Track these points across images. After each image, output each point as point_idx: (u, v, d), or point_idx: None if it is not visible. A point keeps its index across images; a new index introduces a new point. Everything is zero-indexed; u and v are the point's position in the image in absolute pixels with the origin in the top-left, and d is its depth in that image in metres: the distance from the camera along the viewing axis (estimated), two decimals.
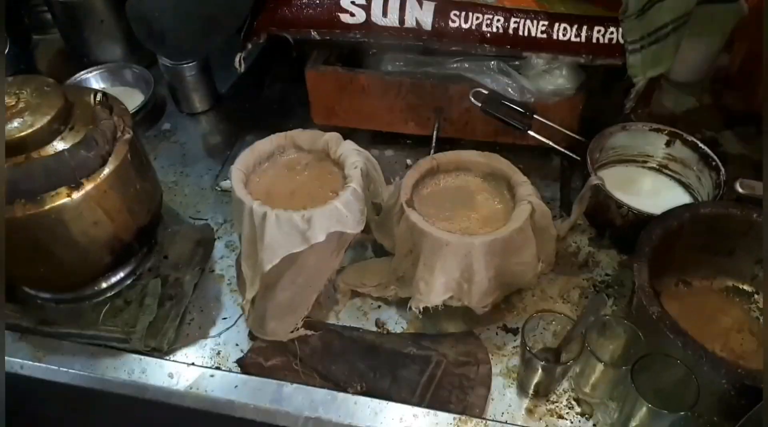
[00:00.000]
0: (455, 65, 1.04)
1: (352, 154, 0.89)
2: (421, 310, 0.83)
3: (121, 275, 0.95)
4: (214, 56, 1.26)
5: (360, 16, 1.01)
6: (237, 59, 1.10)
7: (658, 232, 0.83)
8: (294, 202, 0.87)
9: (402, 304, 0.91)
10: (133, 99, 1.25)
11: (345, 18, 1.01)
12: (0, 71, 0.86)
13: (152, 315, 0.90)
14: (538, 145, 1.09)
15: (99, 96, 0.84)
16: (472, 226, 0.84)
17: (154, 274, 0.96)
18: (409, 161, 1.14)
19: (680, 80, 1.27)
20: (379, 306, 0.92)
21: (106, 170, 0.82)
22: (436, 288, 0.81)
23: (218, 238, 1.03)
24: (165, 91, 1.29)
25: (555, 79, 0.99)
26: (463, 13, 0.99)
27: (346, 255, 0.98)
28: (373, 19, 1.01)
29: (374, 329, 0.89)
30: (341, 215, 0.82)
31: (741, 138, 1.16)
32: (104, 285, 0.94)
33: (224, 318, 0.92)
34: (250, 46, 1.10)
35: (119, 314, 0.91)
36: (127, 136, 0.86)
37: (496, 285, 0.84)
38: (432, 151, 1.07)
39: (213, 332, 0.90)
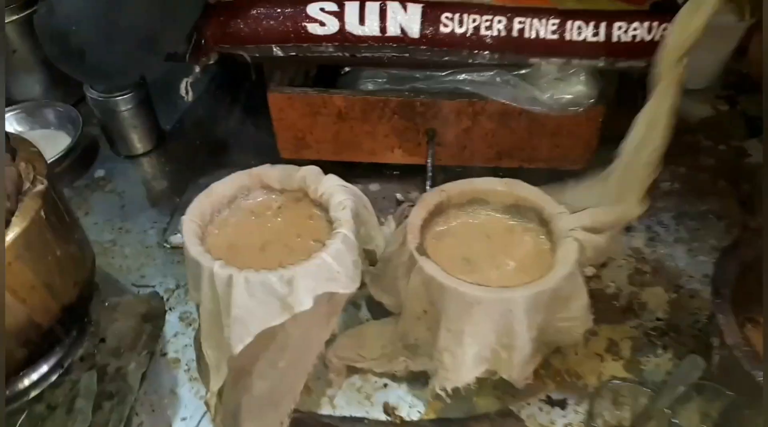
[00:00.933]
0: (450, 78, 0.87)
1: (337, 191, 0.70)
2: (450, 391, 0.63)
3: (43, 370, 0.72)
4: (155, 86, 1.06)
5: (332, 26, 0.83)
6: (182, 86, 0.91)
7: (733, 267, 0.66)
8: (267, 259, 0.68)
9: (415, 379, 0.72)
10: (57, 143, 1.03)
11: (313, 28, 0.83)
12: (0, 71, 0.64)
13: (86, 424, 0.68)
14: (550, 168, 0.92)
15: None
16: (504, 276, 0.65)
17: (88, 365, 0.74)
18: (399, 195, 0.95)
19: (690, 88, 1.13)
20: (386, 385, 0.72)
21: (10, 235, 0.60)
22: (466, 361, 0.61)
23: (170, 310, 0.81)
24: (97, 131, 1.08)
25: (572, 87, 0.83)
26: (457, 16, 0.82)
27: (337, 320, 0.78)
28: (347, 28, 0.83)
29: (383, 417, 0.69)
30: (331, 270, 0.62)
31: None
32: (19, 387, 0.71)
33: (183, 419, 0.70)
34: (197, 69, 0.90)
35: (41, 425, 0.68)
36: (40, 187, 0.65)
37: (536, 348, 0.65)
38: (428, 182, 0.89)
39: None
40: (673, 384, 0.56)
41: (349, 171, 0.97)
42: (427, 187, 0.87)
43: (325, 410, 0.70)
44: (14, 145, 0.66)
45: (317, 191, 0.71)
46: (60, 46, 0.77)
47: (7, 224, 0.60)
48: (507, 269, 0.66)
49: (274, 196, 0.74)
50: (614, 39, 0.81)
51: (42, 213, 0.64)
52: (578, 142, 0.90)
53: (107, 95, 0.97)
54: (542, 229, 0.69)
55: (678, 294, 0.81)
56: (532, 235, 0.69)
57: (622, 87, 0.94)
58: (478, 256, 0.67)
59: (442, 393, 0.64)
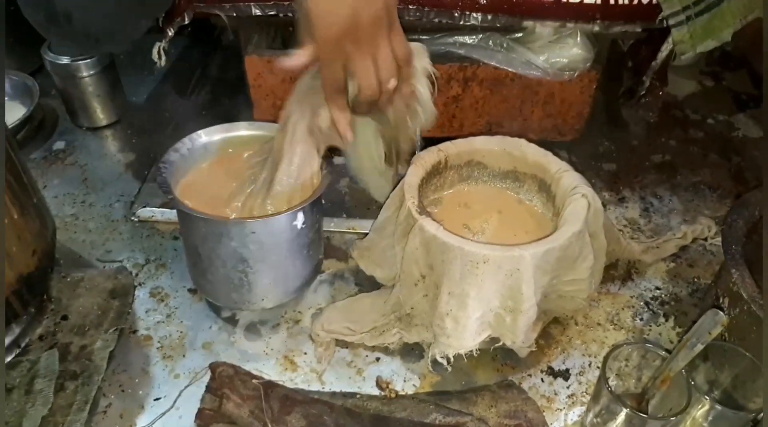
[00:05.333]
0: (439, 41, 0.82)
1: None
2: (451, 360, 0.58)
3: None
4: (121, 56, 0.99)
5: None
6: (155, 51, 0.84)
7: (741, 225, 0.63)
8: None
9: (409, 352, 0.67)
10: (11, 114, 0.95)
11: None
12: (0, 70, 0.57)
13: (47, 406, 0.61)
14: (542, 139, 0.89)
15: None
16: (503, 236, 0.61)
17: (49, 343, 0.67)
18: None
19: (674, 64, 1.11)
20: (378, 359, 0.67)
21: None
22: (469, 326, 0.57)
23: (140, 285, 0.75)
24: (56, 102, 1.00)
25: (567, 50, 0.79)
26: None
27: (323, 294, 0.73)
28: None
29: (377, 392, 0.64)
30: None
31: (756, 120, 1.01)
32: None
33: (157, 399, 0.63)
34: (171, 31, 0.84)
35: None
36: None
37: (539, 314, 0.62)
38: (417, 152, 0.84)
39: (142, 421, 0.61)
40: (693, 342, 0.52)
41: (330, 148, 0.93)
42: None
43: (314, 386, 0.64)
44: None
45: None
46: (45, 10, 0.70)
47: None
48: (506, 230, 0.62)
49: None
50: (611, 1, 0.78)
51: None
52: (571, 111, 0.87)
53: (68, 59, 0.90)
54: (543, 189, 0.65)
55: (676, 264, 0.78)
56: (534, 195, 0.66)
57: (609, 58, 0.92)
58: (475, 218, 0.63)
59: (443, 361, 0.59)
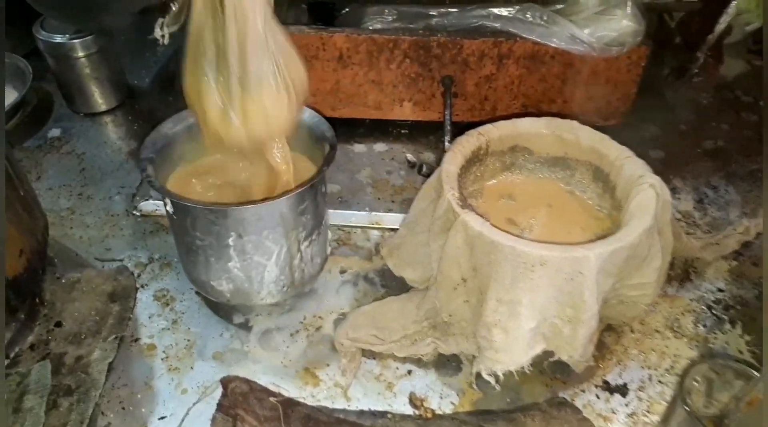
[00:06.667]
0: (472, 14, 0.74)
1: None
2: (500, 378, 0.51)
3: None
4: (120, 37, 0.91)
5: None
6: (157, 27, 0.76)
7: None
8: None
9: (445, 364, 0.59)
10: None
11: None
12: (0, 70, 0.50)
13: (38, 426, 0.53)
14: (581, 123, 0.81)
15: None
16: (555, 233, 0.53)
17: (41, 354, 0.60)
18: (409, 156, 0.83)
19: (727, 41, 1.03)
20: (410, 372, 0.59)
21: None
22: (521, 338, 0.49)
23: (142, 287, 0.67)
24: (51, 86, 0.92)
25: (617, 23, 0.71)
26: None
27: (346, 297, 0.65)
28: None
29: (410, 411, 0.56)
30: None
31: None
32: None
33: (162, 418, 0.56)
34: (175, 6, 0.75)
35: None
36: None
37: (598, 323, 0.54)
38: (447, 138, 0.76)
39: None
40: None
41: (350, 129, 0.85)
42: (446, 146, 0.75)
43: (339, 403, 0.57)
44: None
45: None
46: None
47: None
48: (560, 226, 0.54)
49: None
50: None
51: None
52: (616, 92, 0.79)
53: (62, 38, 0.82)
54: (597, 185, 0.57)
55: (738, 262, 0.70)
56: (589, 186, 0.58)
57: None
58: (522, 212, 0.55)
59: (491, 379, 0.51)
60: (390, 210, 0.75)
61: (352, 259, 0.70)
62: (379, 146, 0.85)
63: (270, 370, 0.59)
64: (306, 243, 0.60)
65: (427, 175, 0.75)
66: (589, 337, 0.51)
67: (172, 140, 0.63)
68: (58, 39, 0.82)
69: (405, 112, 0.82)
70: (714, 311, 0.65)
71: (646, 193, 0.50)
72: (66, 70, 0.86)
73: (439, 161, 0.77)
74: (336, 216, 0.74)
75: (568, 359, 0.52)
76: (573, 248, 0.47)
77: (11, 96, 0.87)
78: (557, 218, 0.57)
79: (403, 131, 0.86)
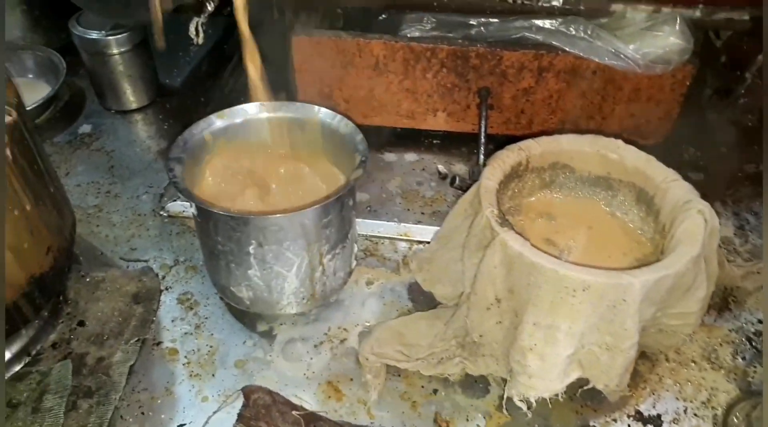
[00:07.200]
0: (512, 25, 0.72)
1: None
2: (533, 404, 0.49)
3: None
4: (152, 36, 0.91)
5: None
6: (192, 27, 0.75)
7: None
8: None
9: (472, 385, 0.58)
10: (36, 93, 0.88)
11: None
12: (0, 69, 0.49)
13: None
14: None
15: None
16: (595, 256, 0.51)
17: (62, 353, 0.60)
18: (440, 167, 0.81)
19: None
20: (435, 391, 0.58)
21: None
22: (558, 365, 0.47)
23: (166, 289, 0.66)
24: (84, 82, 0.92)
25: (663, 40, 0.69)
26: None
27: (371, 310, 0.64)
28: None
29: None
30: None
31: None
32: None
33: (181, 425, 0.55)
34: (211, 6, 0.75)
35: None
36: (8, 118, 0.49)
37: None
38: (481, 151, 0.74)
39: None
40: None
41: (381, 137, 0.84)
42: (480, 159, 0.73)
43: (362, 420, 0.55)
44: None
45: None
46: None
47: None
48: (598, 250, 0.52)
49: None
50: None
51: (9, 153, 0.49)
52: (658, 111, 0.76)
53: (98, 33, 0.82)
54: (641, 208, 0.55)
55: None
56: (632, 207, 0.56)
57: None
58: (561, 233, 0.53)
59: (523, 405, 0.50)
60: (419, 222, 0.74)
61: (379, 270, 0.69)
62: (410, 156, 0.83)
63: (292, 381, 0.58)
64: (329, 256, 0.59)
65: (459, 188, 0.74)
66: (627, 366, 0.49)
67: (202, 142, 0.62)
68: (94, 35, 0.82)
69: (438, 122, 0.81)
70: (754, 343, 0.63)
71: (694, 220, 0.48)
72: (99, 67, 0.86)
73: (470, 173, 0.76)
74: (364, 226, 0.73)
75: (603, 388, 0.50)
76: (617, 273, 0.45)
77: (44, 90, 0.87)
78: (597, 240, 0.55)
79: (435, 141, 0.85)
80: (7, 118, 0.50)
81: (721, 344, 0.63)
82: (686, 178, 0.80)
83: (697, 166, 0.82)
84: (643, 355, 0.61)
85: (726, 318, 0.65)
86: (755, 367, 0.61)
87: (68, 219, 0.61)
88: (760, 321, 0.65)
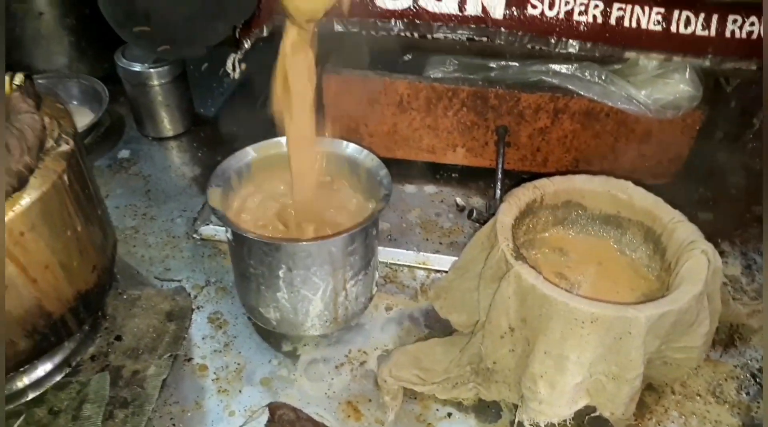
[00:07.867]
0: (530, 69, 0.77)
1: None
2: None
3: (47, 368, 0.62)
4: (192, 69, 0.97)
5: (404, 0, 0.73)
6: (229, 62, 0.81)
7: None
8: None
9: (485, 410, 0.61)
10: (79, 120, 0.93)
11: (382, 1, 0.74)
12: (0, 73, 0.55)
13: None
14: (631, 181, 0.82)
15: (20, 78, 0.53)
16: (604, 291, 0.55)
17: (100, 365, 0.64)
18: (458, 200, 0.85)
19: None
20: (450, 415, 0.61)
21: (26, 199, 0.50)
22: (566, 392, 0.50)
23: (198, 308, 0.70)
24: (124, 110, 0.98)
25: (674, 87, 0.73)
26: None
27: (390, 334, 0.67)
28: (421, 2, 0.73)
29: None
30: None
31: None
32: (18, 385, 0.60)
33: None
34: (248, 43, 0.80)
35: None
36: (65, 147, 0.54)
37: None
38: (498, 186, 0.78)
39: None
40: None
41: (402, 169, 0.88)
42: (497, 193, 0.77)
43: None
44: (41, 92, 0.56)
45: None
46: (124, 7, 0.67)
47: (24, 183, 0.50)
48: (607, 285, 0.55)
49: None
50: (727, 34, 0.71)
51: (66, 178, 0.53)
52: (668, 153, 0.80)
53: (141, 66, 0.87)
54: (648, 247, 0.58)
55: None
56: (639, 245, 0.59)
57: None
58: (572, 267, 0.57)
59: None
60: (437, 251, 0.78)
61: (398, 297, 0.72)
62: (430, 188, 0.87)
63: (314, 400, 0.61)
64: (352, 282, 0.62)
65: (476, 221, 0.77)
66: (632, 396, 0.52)
67: (238, 171, 0.66)
68: (137, 68, 0.88)
69: (458, 157, 0.85)
70: (758, 380, 0.65)
71: (698, 260, 0.52)
72: (140, 96, 0.91)
73: (487, 207, 0.80)
74: (384, 253, 0.76)
75: (609, 415, 0.53)
76: (624, 307, 0.48)
77: (87, 117, 0.93)
78: (606, 276, 0.58)
79: (453, 175, 0.88)
80: (65, 147, 0.55)
81: (726, 380, 0.65)
82: (696, 217, 0.83)
83: (707, 207, 0.85)
84: (649, 386, 0.63)
85: (731, 354, 0.67)
86: (758, 402, 0.63)
87: (111, 239, 0.66)
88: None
